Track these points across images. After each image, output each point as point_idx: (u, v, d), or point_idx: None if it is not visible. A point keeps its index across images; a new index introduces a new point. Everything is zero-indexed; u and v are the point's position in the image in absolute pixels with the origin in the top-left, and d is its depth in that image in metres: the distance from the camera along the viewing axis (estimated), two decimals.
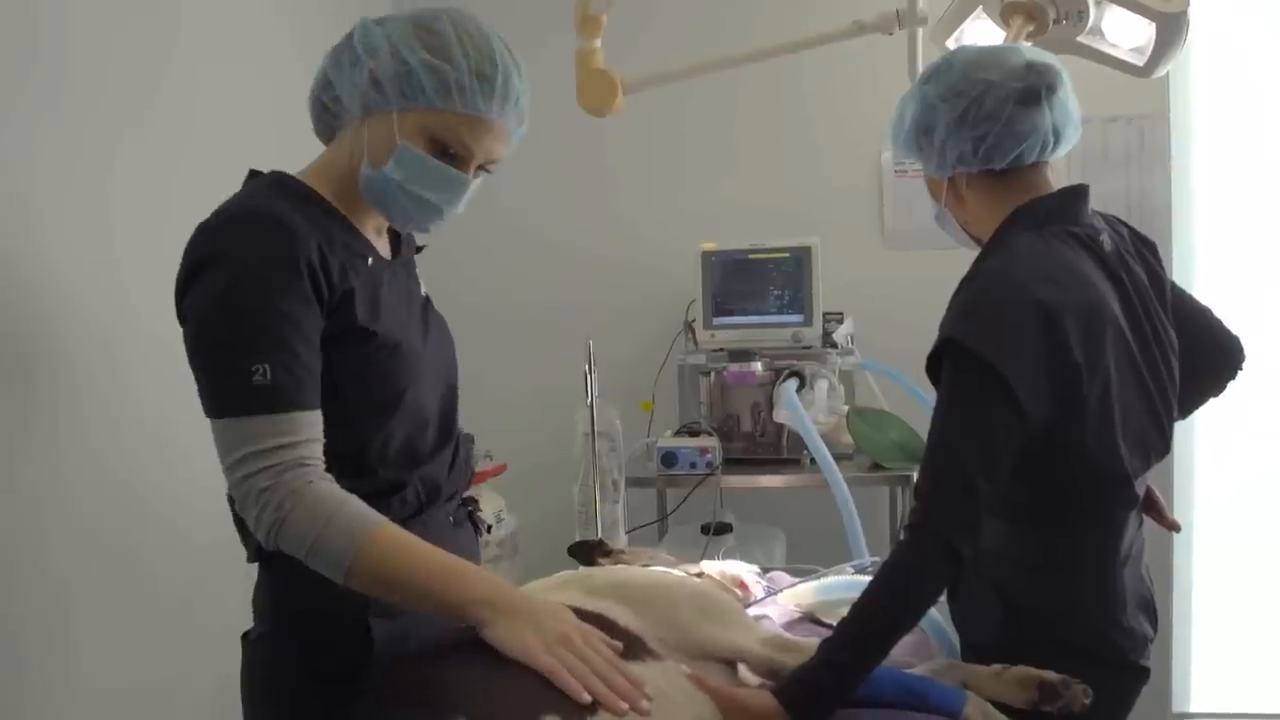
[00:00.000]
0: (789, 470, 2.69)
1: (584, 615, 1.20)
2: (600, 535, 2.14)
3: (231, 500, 1.20)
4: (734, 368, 2.70)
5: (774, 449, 2.73)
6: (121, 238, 1.90)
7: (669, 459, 2.64)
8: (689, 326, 2.92)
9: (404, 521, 1.23)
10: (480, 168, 1.33)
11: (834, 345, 2.75)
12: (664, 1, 3.07)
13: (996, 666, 1.33)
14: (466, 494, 1.50)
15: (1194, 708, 3.05)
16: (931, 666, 1.40)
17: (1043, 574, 1.44)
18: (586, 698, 1.06)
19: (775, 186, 3.11)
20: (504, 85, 1.27)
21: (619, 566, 1.59)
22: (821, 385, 2.53)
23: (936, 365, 1.36)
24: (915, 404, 2.48)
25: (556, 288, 3.23)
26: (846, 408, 2.62)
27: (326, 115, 1.35)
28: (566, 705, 1.05)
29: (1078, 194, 1.48)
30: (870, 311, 2.93)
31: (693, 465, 2.64)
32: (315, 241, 1.22)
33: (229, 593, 2.10)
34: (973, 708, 1.26)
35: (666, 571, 1.54)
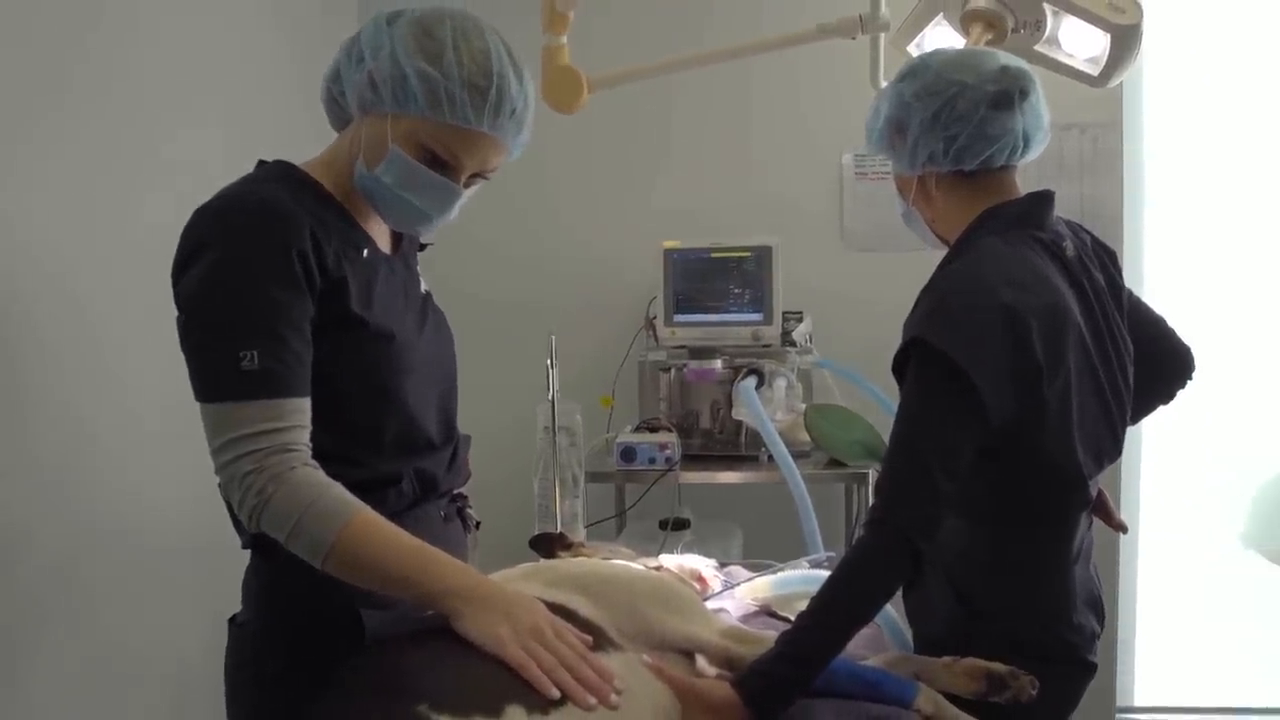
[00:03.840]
0: (747, 467, 2.72)
1: (546, 606, 1.21)
2: (560, 529, 2.15)
3: (222, 485, 1.21)
4: (694, 365, 2.71)
5: (732, 445, 2.75)
6: (89, 225, 1.89)
7: (628, 454, 2.66)
8: (650, 323, 2.94)
9: (396, 515, 1.24)
10: (477, 175, 1.33)
11: (793, 344, 2.77)
12: (631, 1, 3.08)
13: (947, 659, 1.37)
14: (457, 490, 1.51)
15: (1137, 702, 3.13)
16: (885, 658, 1.43)
17: (997, 570, 1.47)
18: (555, 693, 1.07)
19: (737, 186, 3.13)
20: (497, 98, 1.25)
21: (580, 559, 1.60)
22: (780, 383, 2.56)
23: (902, 364, 1.39)
24: (869, 401, 2.53)
25: (519, 283, 3.23)
26: (804, 405, 2.65)
27: (335, 107, 1.35)
28: (531, 696, 1.06)
29: (1044, 200, 1.50)
30: (829, 311, 2.97)
31: (652, 461, 2.65)
32: (309, 229, 1.23)
33: (197, 579, 2.11)
34: (924, 698, 1.29)
35: (627, 565, 1.55)
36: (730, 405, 2.65)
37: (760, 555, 2.10)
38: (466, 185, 1.34)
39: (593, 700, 1.09)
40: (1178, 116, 3.00)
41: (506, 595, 1.18)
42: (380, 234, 1.40)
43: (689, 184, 3.16)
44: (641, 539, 2.54)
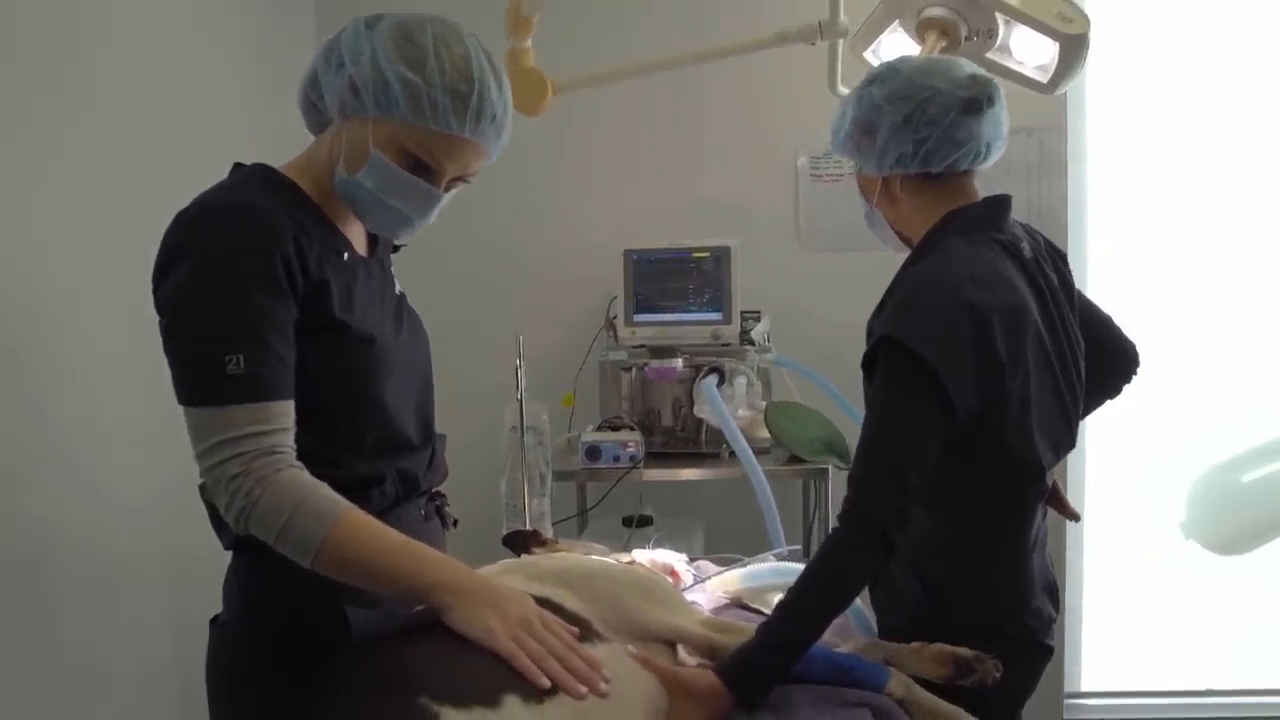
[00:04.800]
0: (708, 464, 2.75)
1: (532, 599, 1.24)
2: (530, 527, 2.17)
3: (203, 488, 1.21)
4: (655, 364, 2.74)
5: (694, 443, 2.78)
6: (59, 229, 1.87)
7: (593, 453, 2.68)
8: (610, 323, 2.97)
9: (378, 514, 1.25)
10: (457, 179, 1.35)
11: (752, 342, 2.82)
12: (594, 6, 3.11)
13: (916, 644, 1.42)
14: (435, 489, 1.53)
15: (1084, 687, 3.23)
16: (856, 644, 1.48)
17: (961, 559, 1.52)
18: (545, 682, 1.10)
19: (696, 188, 3.17)
20: (478, 103, 1.27)
21: (558, 554, 1.63)
22: (740, 381, 2.60)
23: (871, 360, 1.44)
24: (827, 398, 2.58)
25: (480, 284, 3.24)
26: (764, 403, 2.70)
27: (314, 111, 1.36)
28: (526, 686, 1.09)
29: (1002, 203, 1.57)
30: (786, 310, 3.02)
31: (616, 459, 2.67)
32: (291, 233, 1.24)
33: (165, 582, 2.10)
34: (896, 682, 1.35)
35: (605, 559, 1.58)
36: (691, 403, 2.69)
37: (721, 550, 2.14)
38: (446, 189, 1.35)
39: (583, 689, 1.12)
40: (1119, 121, 3.10)
41: (495, 589, 1.20)
42: (357, 237, 1.41)
43: (649, 186, 3.19)
44: (604, 537, 2.55)
